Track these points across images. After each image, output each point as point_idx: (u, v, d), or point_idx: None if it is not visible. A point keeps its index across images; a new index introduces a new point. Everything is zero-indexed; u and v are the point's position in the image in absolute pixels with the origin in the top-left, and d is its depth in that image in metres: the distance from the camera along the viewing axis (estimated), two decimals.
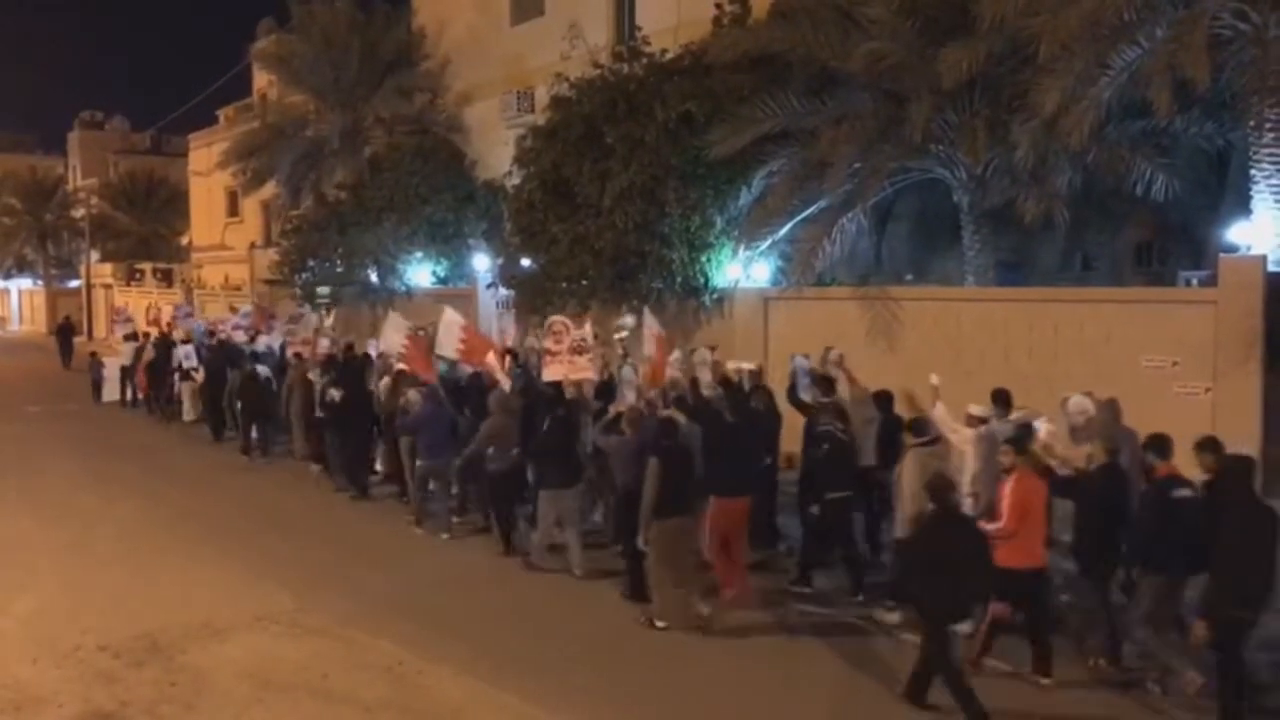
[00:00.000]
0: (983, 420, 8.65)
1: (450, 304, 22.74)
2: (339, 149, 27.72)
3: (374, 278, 24.89)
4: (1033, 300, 13.32)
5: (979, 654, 7.43)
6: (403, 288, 24.37)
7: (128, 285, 46.63)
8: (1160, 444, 7.19)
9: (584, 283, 17.62)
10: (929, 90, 13.44)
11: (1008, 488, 7.36)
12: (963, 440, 8.57)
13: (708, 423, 9.39)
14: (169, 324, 22.69)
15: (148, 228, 51.93)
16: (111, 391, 23.10)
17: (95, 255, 50.69)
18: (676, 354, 12.25)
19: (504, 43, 24.72)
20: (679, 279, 16.46)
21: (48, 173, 58.24)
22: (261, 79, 36.77)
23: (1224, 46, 11.39)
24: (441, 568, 10.49)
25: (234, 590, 9.49)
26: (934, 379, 9.34)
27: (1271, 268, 11.37)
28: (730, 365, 11.49)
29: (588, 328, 12.08)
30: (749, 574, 9.36)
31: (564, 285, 17.95)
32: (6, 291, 62.64)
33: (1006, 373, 12.78)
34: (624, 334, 13.64)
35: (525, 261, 19.24)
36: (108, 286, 48.64)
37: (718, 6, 17.24)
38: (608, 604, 9.12)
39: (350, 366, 14.81)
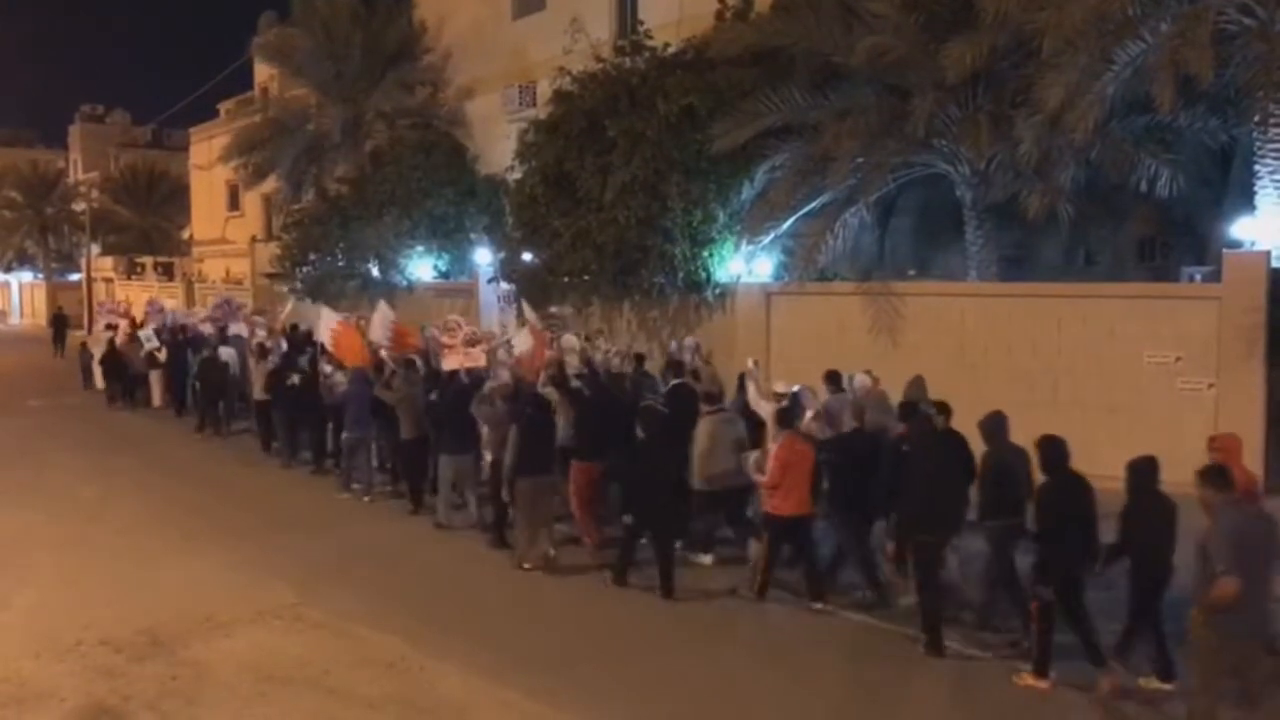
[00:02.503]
0: (782, 396, 10.13)
1: (452, 298, 22.95)
2: (340, 143, 27.70)
3: (375, 272, 24.88)
4: (1036, 296, 13.31)
5: (759, 590, 8.79)
6: (404, 282, 24.36)
7: (128, 279, 46.57)
8: (902, 410, 8.92)
9: (586, 277, 17.60)
10: (932, 85, 13.42)
11: (774, 448, 8.77)
12: (765, 413, 9.88)
13: (570, 400, 10.82)
14: (144, 317, 23.19)
15: (148, 221, 51.88)
16: (98, 378, 23.48)
17: (96, 249, 50.58)
18: (568, 338, 14.03)
19: (506, 36, 24.68)
20: (681, 274, 16.45)
21: (48, 166, 58.22)
22: (263, 72, 36.71)
23: (1229, 42, 11.37)
24: (437, 559, 10.48)
25: (235, 584, 9.47)
26: (750, 362, 11.36)
27: (1276, 263, 11.36)
28: (612, 351, 13.93)
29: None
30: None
31: (566, 280, 17.94)
32: (7, 285, 62.56)
33: (1010, 368, 12.79)
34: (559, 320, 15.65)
35: (527, 256, 19.22)
36: (109, 280, 48.55)
37: (720, 1, 17.19)
38: (604, 595, 9.13)
39: (297, 349, 16.06)
